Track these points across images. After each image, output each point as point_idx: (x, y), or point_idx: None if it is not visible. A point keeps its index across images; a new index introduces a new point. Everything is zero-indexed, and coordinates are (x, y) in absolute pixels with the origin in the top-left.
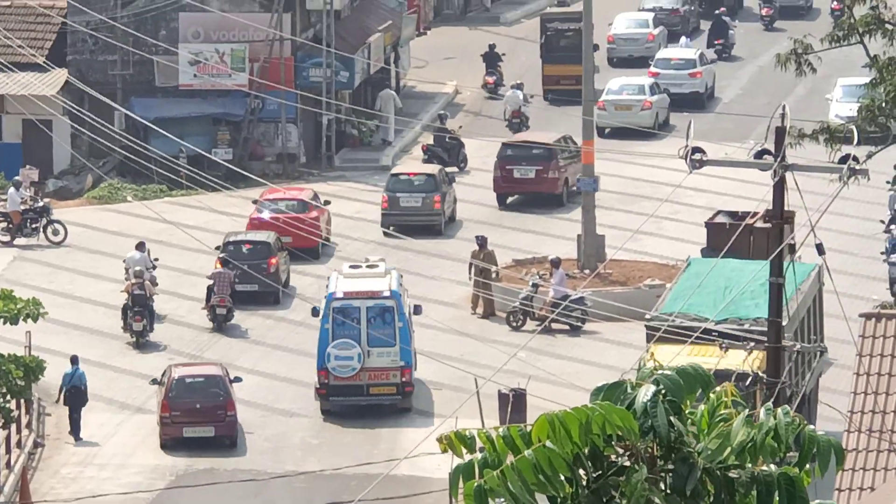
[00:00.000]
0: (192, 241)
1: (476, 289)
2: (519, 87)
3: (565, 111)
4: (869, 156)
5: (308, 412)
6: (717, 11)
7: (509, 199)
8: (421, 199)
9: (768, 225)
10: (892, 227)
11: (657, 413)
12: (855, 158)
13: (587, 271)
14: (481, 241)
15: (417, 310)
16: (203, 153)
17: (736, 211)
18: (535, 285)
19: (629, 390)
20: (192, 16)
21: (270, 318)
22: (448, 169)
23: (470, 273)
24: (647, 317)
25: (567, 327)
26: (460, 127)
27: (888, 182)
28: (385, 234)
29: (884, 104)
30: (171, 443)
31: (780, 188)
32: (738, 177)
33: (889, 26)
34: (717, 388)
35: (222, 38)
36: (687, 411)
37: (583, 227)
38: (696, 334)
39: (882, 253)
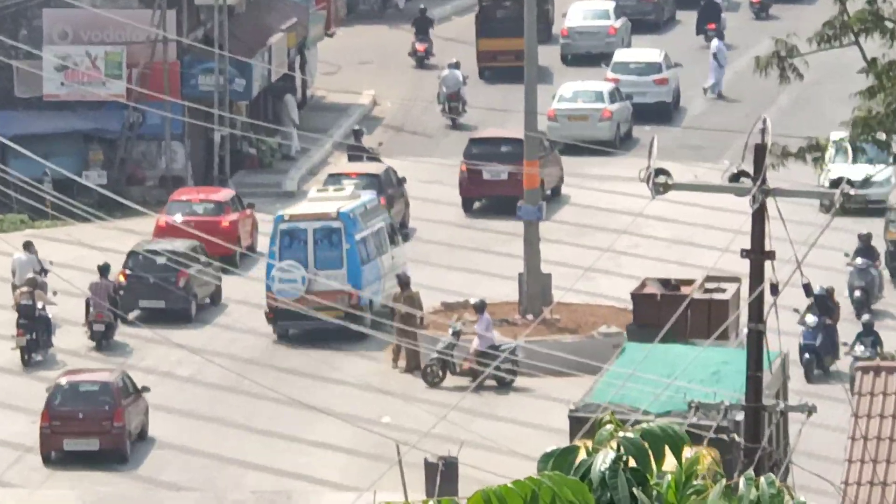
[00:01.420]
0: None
1: (398, 338)
2: (456, 65)
3: (507, 92)
4: (867, 178)
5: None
6: None
7: (476, 205)
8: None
9: (709, 296)
10: (858, 259)
11: (617, 485)
12: (849, 182)
13: (530, 316)
14: (403, 281)
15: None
16: (72, 176)
17: (668, 279)
18: (456, 333)
19: (584, 456)
20: (58, 12)
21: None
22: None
23: (393, 317)
24: (572, 407)
25: (494, 382)
26: (380, 144)
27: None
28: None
29: (883, 116)
30: (53, 457)
31: (759, 217)
32: (710, 203)
33: (889, 24)
34: (690, 453)
35: (95, 39)
36: (653, 482)
37: (525, 263)
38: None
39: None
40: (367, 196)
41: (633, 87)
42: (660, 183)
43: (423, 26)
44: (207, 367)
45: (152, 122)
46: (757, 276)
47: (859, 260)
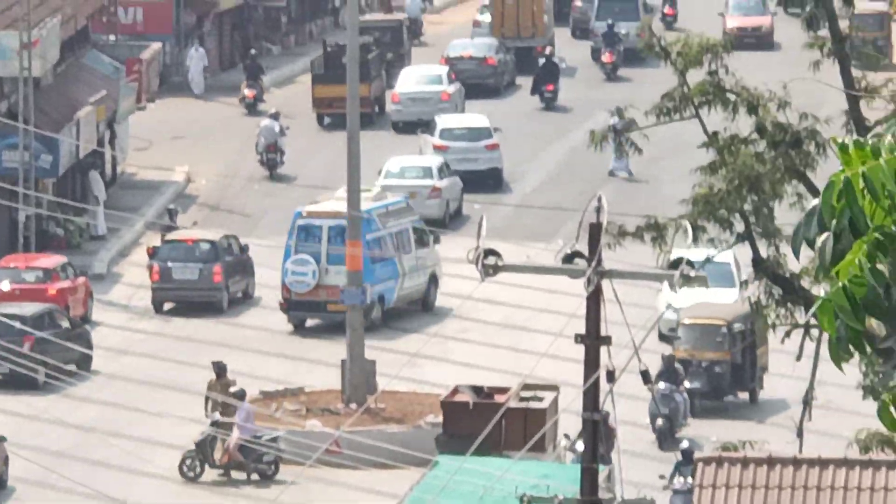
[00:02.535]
0: None
1: (214, 429)
2: (274, 116)
3: (339, 140)
4: (707, 259)
5: None
6: (546, 52)
7: None
8: (198, 270)
9: (525, 404)
10: (660, 383)
11: None
12: (690, 263)
13: (353, 405)
14: (219, 369)
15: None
16: None
17: (481, 386)
18: (215, 423)
19: None
20: None
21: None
22: None
23: (206, 409)
24: None
25: (257, 476)
26: (195, 223)
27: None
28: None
29: (725, 193)
30: None
31: (594, 300)
32: (543, 285)
33: (730, 96)
34: None
35: None
36: None
37: (348, 349)
38: None
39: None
40: (394, 198)
41: (464, 154)
42: (489, 264)
43: (253, 72)
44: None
45: None
46: (592, 362)
47: (662, 384)
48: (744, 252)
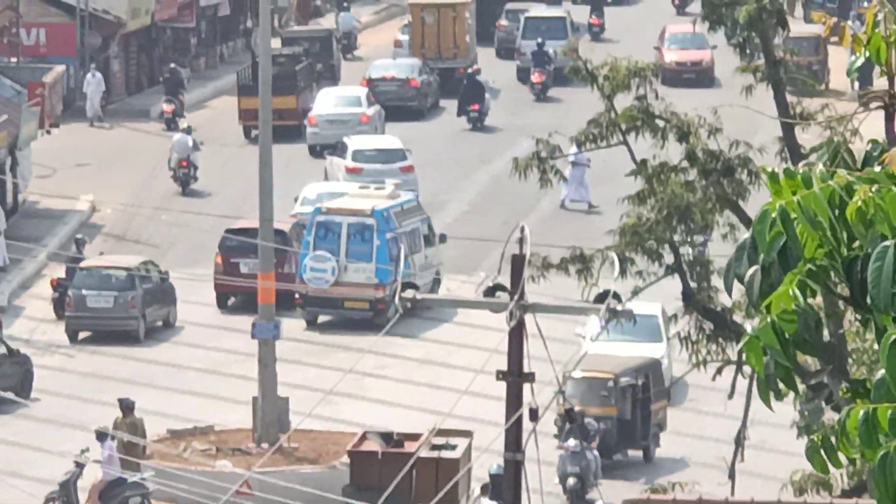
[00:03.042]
0: None
1: (122, 470)
2: (187, 131)
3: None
4: (635, 292)
5: None
6: (470, 70)
7: (231, 301)
8: (113, 298)
9: (437, 453)
10: (570, 440)
11: None
12: (616, 296)
13: (265, 445)
14: (126, 406)
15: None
16: None
17: (390, 432)
18: (79, 465)
19: None
20: None
21: None
22: None
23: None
24: None
25: None
26: (101, 254)
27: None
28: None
29: (654, 224)
30: None
31: (517, 335)
32: (464, 320)
33: (660, 122)
34: None
35: None
36: None
37: (260, 386)
38: None
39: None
40: (406, 197)
41: (378, 176)
42: (408, 298)
43: (172, 87)
44: None
45: None
46: (514, 400)
47: (571, 441)
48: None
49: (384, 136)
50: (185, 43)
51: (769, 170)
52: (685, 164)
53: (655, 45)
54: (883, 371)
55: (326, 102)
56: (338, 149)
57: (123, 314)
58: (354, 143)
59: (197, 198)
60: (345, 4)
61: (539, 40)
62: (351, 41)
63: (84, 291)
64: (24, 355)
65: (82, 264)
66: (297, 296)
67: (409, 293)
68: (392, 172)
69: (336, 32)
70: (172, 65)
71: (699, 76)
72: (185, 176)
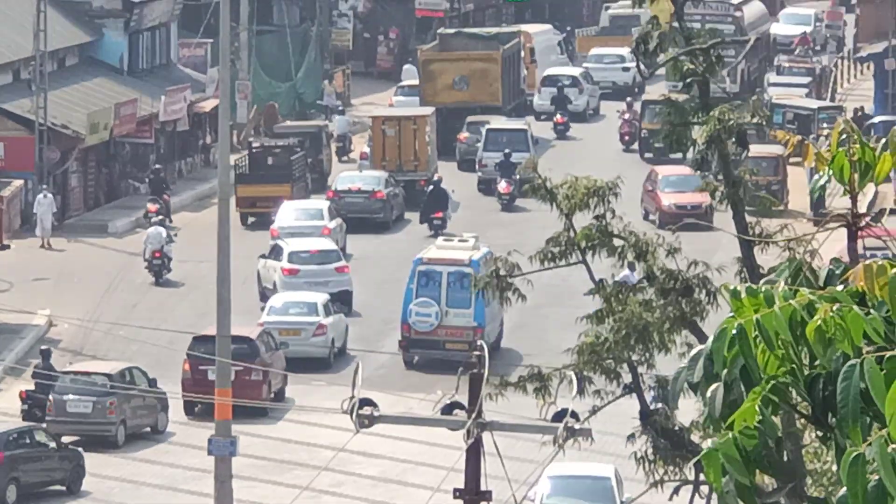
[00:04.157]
0: None
1: None
2: (162, 223)
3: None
4: (592, 411)
5: None
6: (435, 178)
7: (198, 407)
8: (92, 403)
9: None
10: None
11: None
12: (574, 415)
13: None
14: None
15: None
16: None
17: None
18: None
19: None
20: None
21: None
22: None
23: None
24: None
25: None
26: (70, 363)
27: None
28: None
29: (612, 343)
30: None
31: (474, 453)
32: (422, 438)
33: (618, 241)
34: None
35: None
36: None
37: (215, 503)
38: None
39: None
40: (485, 249)
41: (314, 277)
42: (365, 415)
43: (156, 187)
44: None
45: None
46: None
47: None
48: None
49: (321, 238)
50: (144, 158)
51: (731, 287)
52: (643, 283)
53: (649, 188)
54: (844, 489)
55: (288, 215)
56: (273, 252)
57: (102, 419)
58: (291, 245)
59: (170, 287)
60: (340, 108)
61: (506, 150)
62: (346, 144)
63: (65, 396)
64: (75, 450)
65: (65, 369)
66: (399, 339)
67: (367, 410)
68: (328, 273)
69: (329, 132)
70: (157, 165)
71: (699, 220)
72: (158, 267)
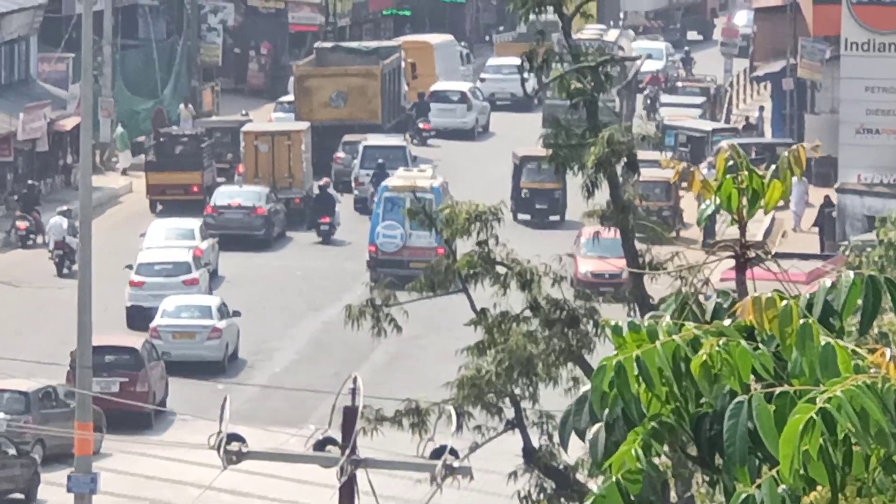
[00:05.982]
0: None
1: None
2: (66, 213)
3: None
4: (472, 448)
5: None
6: (320, 184)
7: None
8: (6, 423)
9: None
10: None
11: None
12: (453, 452)
13: None
14: None
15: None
16: None
17: None
18: None
19: None
20: None
21: None
22: None
23: None
24: None
25: None
26: None
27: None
28: None
29: (494, 376)
30: None
31: (348, 491)
32: (293, 475)
33: (501, 269)
34: None
35: None
36: None
37: None
38: None
39: None
40: (441, 178)
41: (160, 290)
42: (233, 451)
43: (28, 204)
44: None
45: None
46: None
47: None
48: (515, 441)
49: (174, 249)
50: (2, 179)
51: (612, 323)
52: (528, 313)
53: (568, 253)
54: None
55: (158, 235)
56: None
57: (18, 438)
58: (141, 257)
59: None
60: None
61: (380, 160)
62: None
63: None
64: (32, 457)
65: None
66: (367, 258)
67: (235, 446)
68: (174, 286)
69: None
70: (31, 181)
71: (617, 289)
72: (59, 258)
